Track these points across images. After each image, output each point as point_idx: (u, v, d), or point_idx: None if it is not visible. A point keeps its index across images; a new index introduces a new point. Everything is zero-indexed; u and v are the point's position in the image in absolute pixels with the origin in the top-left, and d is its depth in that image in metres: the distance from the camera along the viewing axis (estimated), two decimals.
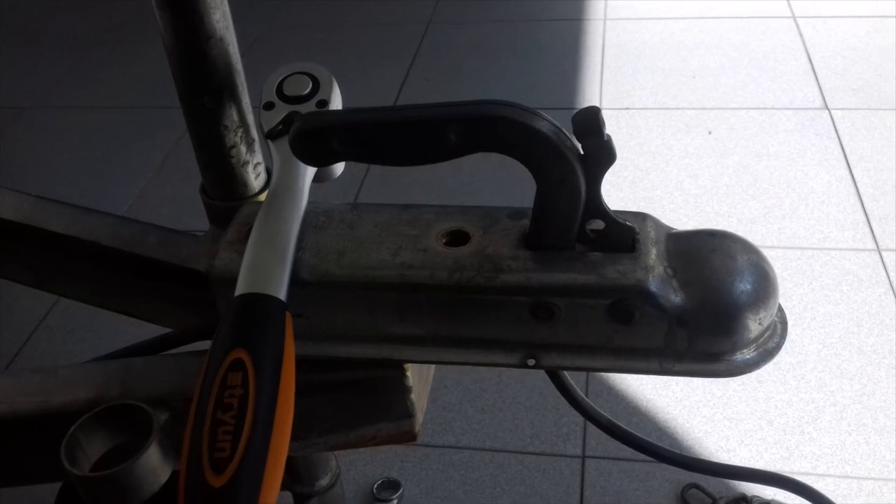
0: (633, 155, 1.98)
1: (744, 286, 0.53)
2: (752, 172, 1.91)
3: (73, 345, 1.64)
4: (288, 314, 0.51)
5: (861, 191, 1.81)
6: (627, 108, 2.15)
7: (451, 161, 0.51)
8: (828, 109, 2.09)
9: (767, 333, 0.55)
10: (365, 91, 2.31)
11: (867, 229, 1.71)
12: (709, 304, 0.52)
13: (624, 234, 0.53)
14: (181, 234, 0.72)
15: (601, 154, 0.50)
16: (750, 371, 0.55)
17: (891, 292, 1.56)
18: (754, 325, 0.53)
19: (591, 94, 2.24)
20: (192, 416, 0.46)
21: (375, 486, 1.31)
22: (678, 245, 0.55)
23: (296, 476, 0.89)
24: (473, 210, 0.58)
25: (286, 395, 0.48)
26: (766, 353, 0.55)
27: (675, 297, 0.52)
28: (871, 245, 1.67)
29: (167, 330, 0.72)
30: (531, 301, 0.53)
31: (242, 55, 0.64)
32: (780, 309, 0.57)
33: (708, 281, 0.53)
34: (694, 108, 2.15)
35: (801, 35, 2.42)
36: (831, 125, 2.03)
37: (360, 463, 1.34)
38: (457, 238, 0.56)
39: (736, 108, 2.13)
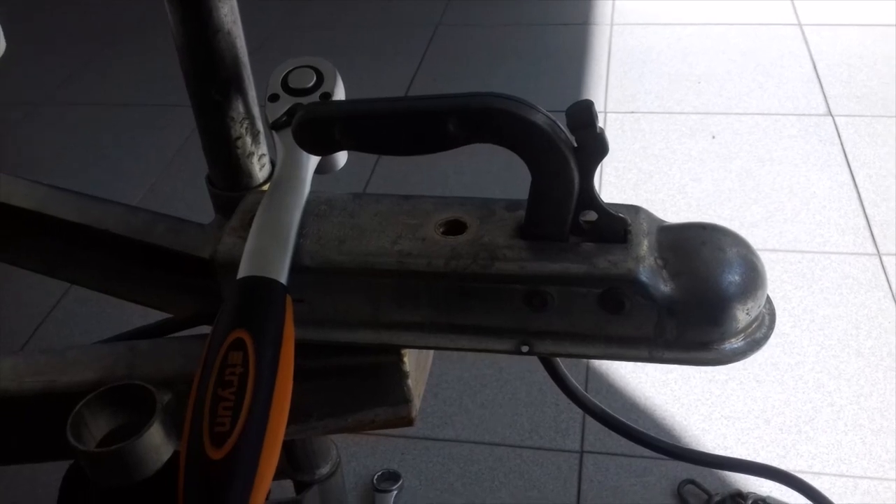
0: (637, 158, 1.99)
1: (732, 277, 0.54)
2: (755, 177, 1.92)
3: (81, 335, 1.66)
4: (288, 297, 0.52)
5: (863, 196, 1.82)
6: (633, 112, 2.16)
7: (456, 159, 0.53)
8: (831, 116, 2.10)
9: (755, 324, 0.56)
10: (374, 90, 2.32)
11: (868, 234, 1.71)
12: (698, 294, 0.53)
13: (616, 225, 0.55)
14: (188, 223, 0.73)
15: (594, 146, 0.51)
16: (738, 360, 0.56)
17: (890, 296, 1.56)
18: (742, 315, 0.54)
19: (596, 98, 2.25)
20: (194, 393, 0.47)
21: (376, 477, 1.32)
22: (669, 237, 0.56)
23: (296, 464, 0.91)
24: (471, 201, 0.59)
25: (285, 375, 0.49)
26: (754, 342, 0.56)
27: (664, 287, 0.53)
28: (872, 249, 1.68)
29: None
30: (525, 289, 0.54)
31: (253, 52, 0.66)
32: (769, 301, 0.58)
33: (697, 272, 0.54)
34: (698, 113, 2.16)
35: (806, 42, 2.43)
36: (835, 131, 2.04)
37: (360, 454, 1.35)
38: (454, 227, 0.57)
39: (740, 114, 2.14)
